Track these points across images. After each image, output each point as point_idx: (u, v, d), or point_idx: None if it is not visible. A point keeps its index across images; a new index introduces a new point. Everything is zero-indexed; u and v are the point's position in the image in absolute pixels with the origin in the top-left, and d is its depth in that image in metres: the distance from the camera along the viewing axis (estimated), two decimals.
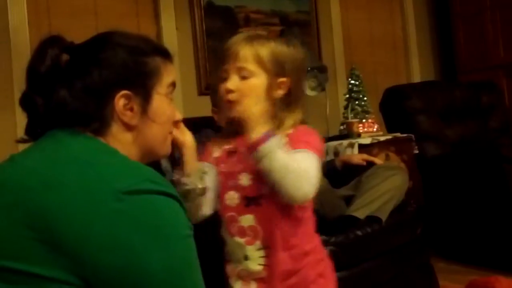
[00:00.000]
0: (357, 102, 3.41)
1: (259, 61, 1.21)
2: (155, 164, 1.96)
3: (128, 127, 0.94)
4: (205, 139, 2.43)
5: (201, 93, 3.26)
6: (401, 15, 4.45)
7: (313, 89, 3.21)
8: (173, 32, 3.17)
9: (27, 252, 0.78)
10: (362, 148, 3.00)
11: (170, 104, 1.01)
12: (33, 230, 0.78)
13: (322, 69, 3.34)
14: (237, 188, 1.22)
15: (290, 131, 1.22)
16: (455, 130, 3.39)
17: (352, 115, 3.39)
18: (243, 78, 1.21)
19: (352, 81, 3.47)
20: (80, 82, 0.90)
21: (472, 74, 3.96)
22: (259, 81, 1.21)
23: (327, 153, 3.09)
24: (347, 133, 3.25)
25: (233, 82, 1.21)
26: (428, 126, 3.29)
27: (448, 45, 4.37)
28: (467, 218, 2.93)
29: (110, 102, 0.91)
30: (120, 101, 0.91)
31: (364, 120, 3.28)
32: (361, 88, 3.45)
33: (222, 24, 3.38)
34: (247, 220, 1.21)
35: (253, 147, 1.13)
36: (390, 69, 4.36)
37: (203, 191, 1.21)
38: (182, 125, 1.22)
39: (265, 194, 1.19)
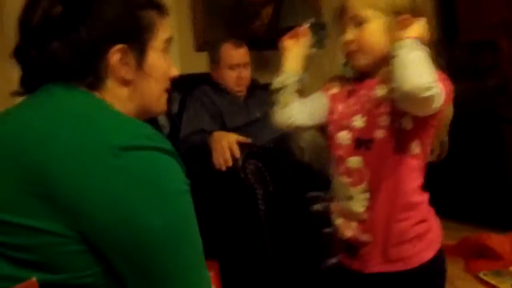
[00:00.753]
0: None
1: (372, 5, 1.20)
2: (152, 120, 1.97)
3: (124, 82, 0.92)
4: (202, 95, 2.44)
5: (198, 49, 3.22)
6: None
7: (312, 46, 3.18)
8: None
9: (23, 206, 0.78)
10: None
11: (166, 59, 0.99)
12: (28, 184, 0.78)
13: (322, 26, 3.29)
14: (350, 128, 1.24)
15: None
16: (454, 89, 3.36)
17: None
18: (359, 25, 1.21)
19: None
20: (74, 34, 0.88)
21: (473, 33, 3.91)
22: (376, 23, 1.20)
23: None
24: None
25: (350, 33, 1.22)
26: None
27: (449, 3, 4.29)
28: (462, 176, 2.95)
29: (104, 56, 0.89)
30: (115, 55, 0.90)
31: None
32: None
33: None
34: (355, 162, 1.22)
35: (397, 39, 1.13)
36: None
37: (289, 90, 1.30)
38: (301, 40, 1.35)
39: (378, 138, 1.19)
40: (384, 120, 1.19)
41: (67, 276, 0.79)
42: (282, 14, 3.19)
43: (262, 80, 2.99)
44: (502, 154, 2.79)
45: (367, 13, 1.20)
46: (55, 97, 0.87)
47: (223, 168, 1.93)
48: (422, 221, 1.23)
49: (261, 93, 2.62)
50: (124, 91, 0.93)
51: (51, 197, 0.76)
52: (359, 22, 1.21)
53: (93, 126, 0.81)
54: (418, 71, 1.08)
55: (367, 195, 1.21)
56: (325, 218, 1.96)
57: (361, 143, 1.21)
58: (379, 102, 1.20)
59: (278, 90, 1.33)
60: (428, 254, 1.22)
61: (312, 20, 1.35)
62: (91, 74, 0.89)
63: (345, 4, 1.23)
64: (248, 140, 2.05)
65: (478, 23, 3.93)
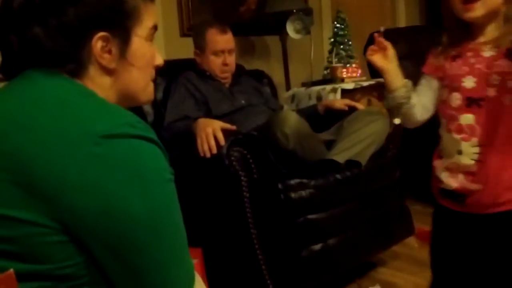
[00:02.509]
0: (341, 47, 3.39)
1: None
2: (137, 108, 1.96)
3: (106, 71, 0.91)
4: (186, 81, 2.43)
5: (183, 34, 3.20)
6: None
7: (297, 32, 3.17)
8: None
9: (3, 195, 0.76)
10: (345, 93, 3.00)
11: (150, 47, 0.97)
12: (7, 172, 0.76)
13: (308, 12, 3.28)
14: (460, 89, 1.31)
15: None
16: None
17: (336, 59, 3.37)
18: None
19: (338, 25, 3.43)
20: (55, 20, 0.86)
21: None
22: None
23: (309, 97, 3.09)
24: (331, 78, 3.24)
25: None
26: (412, 72, 3.28)
27: None
28: None
29: (87, 43, 0.88)
30: (97, 43, 0.88)
31: (348, 65, 3.27)
32: (346, 32, 3.42)
33: None
34: (467, 119, 1.30)
35: None
36: (376, 13, 4.30)
37: (407, 103, 1.39)
38: (388, 51, 1.38)
39: (488, 96, 1.26)
40: (495, 79, 1.26)
41: (48, 267, 0.78)
42: None
43: (248, 66, 2.98)
44: None
45: None
46: (36, 84, 0.85)
47: (208, 155, 1.93)
48: None
49: (247, 80, 2.62)
50: (106, 80, 0.91)
51: (31, 185, 0.75)
52: None
53: (75, 113, 0.80)
54: None
55: (477, 149, 1.30)
56: (309, 204, 1.99)
57: (472, 102, 1.29)
58: (489, 62, 1.27)
59: (395, 107, 1.42)
60: None
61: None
62: (73, 61, 0.87)
63: None
64: (233, 127, 2.05)
65: None
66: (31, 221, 0.76)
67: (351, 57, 3.37)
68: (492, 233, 1.33)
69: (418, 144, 3.10)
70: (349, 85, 3.06)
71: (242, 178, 1.92)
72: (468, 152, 1.31)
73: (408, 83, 1.41)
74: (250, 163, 1.94)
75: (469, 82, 1.29)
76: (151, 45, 0.97)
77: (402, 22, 4.36)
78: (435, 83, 1.40)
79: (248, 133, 2.15)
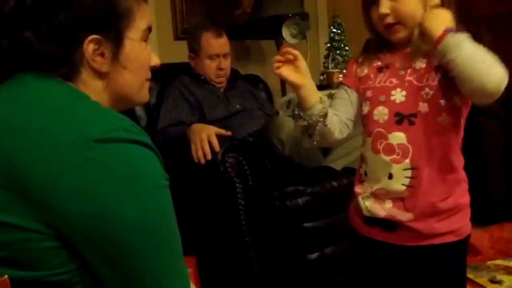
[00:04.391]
0: (338, 52, 3.37)
1: None
2: (130, 112, 1.92)
3: (99, 74, 0.90)
4: (180, 85, 2.39)
5: (177, 37, 3.17)
6: None
7: (293, 36, 3.15)
8: None
9: None
10: None
11: (145, 48, 0.96)
12: (0, 176, 0.76)
13: (304, 16, 3.26)
14: (388, 104, 1.20)
15: None
16: None
17: (332, 65, 3.35)
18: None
19: (334, 30, 3.41)
20: (47, 23, 0.86)
21: (455, 26, 3.94)
22: None
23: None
24: (327, 83, 3.22)
25: (384, 5, 1.17)
26: None
27: None
28: None
29: (79, 46, 0.87)
30: (89, 46, 0.87)
31: (344, 71, 3.25)
32: (342, 37, 3.40)
33: None
34: (398, 138, 1.18)
35: (437, 42, 1.08)
36: None
37: (323, 121, 1.22)
38: (299, 62, 1.20)
39: (422, 112, 1.16)
40: (427, 94, 1.16)
41: (41, 274, 0.77)
42: (264, 3, 3.15)
43: (243, 70, 2.96)
44: (481, 148, 2.80)
45: None
46: (28, 87, 0.85)
47: (202, 161, 1.91)
48: (465, 193, 1.24)
49: (242, 85, 2.59)
50: (99, 83, 0.91)
51: (24, 190, 0.75)
52: None
53: (68, 117, 0.79)
54: (487, 64, 1.06)
55: (409, 172, 1.17)
56: (305, 212, 1.96)
57: (403, 118, 1.18)
58: (420, 74, 1.18)
59: (310, 125, 1.24)
60: (469, 225, 1.24)
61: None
62: (65, 65, 0.87)
63: None
64: (228, 133, 2.04)
65: (460, 17, 3.94)
66: (24, 227, 0.75)
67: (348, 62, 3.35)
68: (424, 267, 1.20)
69: None
70: None
71: (237, 184, 1.90)
72: (400, 176, 1.17)
73: (324, 97, 1.25)
74: (246, 170, 1.92)
75: (398, 96, 1.18)
76: (146, 46, 0.97)
77: None
78: (355, 97, 1.28)
79: (243, 139, 2.13)
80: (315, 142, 1.26)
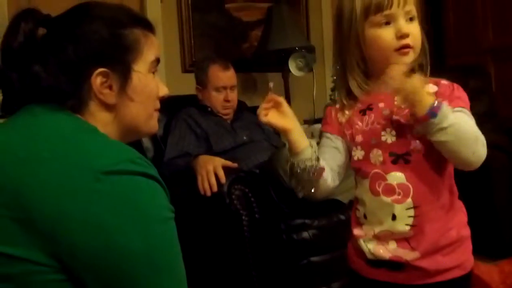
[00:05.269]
0: None
1: (415, 3, 1.17)
2: (136, 143, 1.93)
3: (107, 106, 0.91)
4: (187, 117, 2.40)
5: (185, 70, 3.20)
6: None
7: (300, 69, 3.17)
8: (157, 5, 3.08)
9: (1, 231, 0.76)
10: None
11: (152, 80, 0.97)
12: (7, 207, 0.76)
13: (310, 49, 3.29)
14: (380, 145, 1.16)
15: (437, 88, 1.17)
16: None
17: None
18: (410, 21, 1.15)
19: None
20: (55, 58, 0.87)
21: (461, 58, 3.95)
22: (418, 24, 1.17)
23: (312, 135, 3.06)
24: None
25: (405, 26, 1.14)
26: None
27: (437, 27, 4.34)
28: None
29: (86, 79, 0.88)
30: (97, 80, 0.88)
31: None
32: None
33: None
34: (396, 177, 1.15)
35: (422, 119, 1.07)
36: None
37: (317, 164, 1.16)
38: (284, 107, 1.17)
39: (414, 149, 1.14)
40: (418, 131, 1.13)
41: None
42: (271, 37, 3.19)
43: (250, 102, 2.97)
44: (490, 181, 2.77)
45: (414, 8, 1.16)
46: (37, 118, 0.86)
47: (208, 193, 1.90)
48: (465, 224, 1.23)
49: (249, 116, 2.60)
50: (107, 115, 0.92)
51: (29, 221, 0.75)
52: (410, 17, 1.15)
53: (76, 149, 0.80)
54: (470, 142, 1.08)
55: (412, 212, 1.15)
56: (312, 246, 1.94)
57: (398, 158, 1.15)
58: (406, 113, 1.14)
59: (303, 172, 1.18)
60: (472, 258, 1.23)
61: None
62: (73, 97, 0.88)
63: None
64: (235, 165, 2.03)
65: (466, 49, 3.97)
66: (28, 259, 0.75)
67: None
68: None
69: None
70: None
71: (243, 217, 1.89)
72: (403, 217, 1.15)
73: (313, 142, 1.20)
74: (252, 202, 1.91)
75: (389, 136, 1.16)
76: (153, 77, 0.97)
77: None
78: (340, 143, 1.23)
79: (249, 171, 2.12)
80: (312, 190, 1.20)
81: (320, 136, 1.28)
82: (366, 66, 1.20)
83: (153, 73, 0.97)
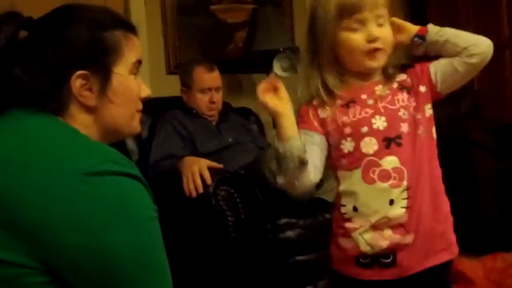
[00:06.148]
0: None
1: (387, 5, 1.22)
2: (121, 145, 1.92)
3: (87, 108, 0.91)
4: (172, 119, 2.40)
5: (170, 72, 3.19)
6: None
7: (284, 70, 3.16)
8: (141, 7, 3.08)
9: None
10: None
11: (134, 82, 0.97)
12: None
13: (295, 50, 3.30)
14: (373, 133, 1.19)
15: (403, 75, 1.26)
16: None
17: None
18: (381, 25, 1.20)
19: None
20: (37, 60, 0.88)
21: None
22: (389, 26, 1.23)
23: None
24: None
25: (375, 29, 1.20)
26: None
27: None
28: None
29: (67, 82, 0.88)
30: (77, 82, 0.88)
31: None
32: None
33: (193, 0, 3.30)
34: (391, 162, 1.18)
35: (420, 31, 1.23)
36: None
37: (305, 162, 1.16)
38: (282, 93, 1.20)
39: (404, 132, 1.19)
40: (404, 114, 1.20)
41: None
42: (256, 38, 3.19)
43: (235, 104, 2.97)
44: (474, 179, 2.81)
45: (386, 12, 1.21)
46: (19, 121, 0.86)
47: (194, 194, 1.90)
48: (447, 202, 1.28)
49: (234, 118, 2.60)
50: (87, 117, 0.92)
51: (14, 225, 0.75)
52: (380, 21, 1.20)
53: (58, 151, 0.81)
54: (473, 36, 1.20)
55: (405, 194, 1.18)
56: (298, 245, 1.95)
57: (390, 141, 1.19)
58: (390, 99, 1.22)
59: (283, 158, 1.17)
60: (455, 243, 1.27)
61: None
62: (54, 100, 0.88)
63: (369, 1, 1.19)
64: (220, 166, 2.04)
65: None
66: (13, 262, 0.75)
67: None
68: None
69: None
70: None
71: (229, 218, 1.89)
72: (399, 200, 1.17)
73: (301, 135, 1.21)
74: (237, 203, 1.91)
75: (380, 122, 1.19)
76: (135, 79, 0.97)
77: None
78: (319, 140, 1.24)
79: (235, 172, 2.12)
80: (295, 182, 1.18)
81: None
82: (340, 65, 1.25)
83: (135, 74, 0.97)
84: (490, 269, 2.34)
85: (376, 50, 1.20)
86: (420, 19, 4.41)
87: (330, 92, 1.24)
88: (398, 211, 1.18)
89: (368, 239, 1.19)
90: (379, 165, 1.18)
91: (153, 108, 2.19)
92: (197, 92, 2.46)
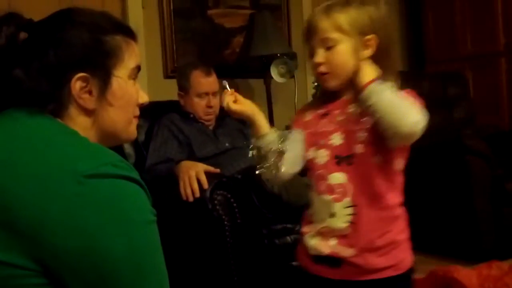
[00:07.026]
0: None
1: (339, 28, 1.25)
2: (118, 149, 1.92)
3: (86, 111, 0.91)
4: (169, 123, 2.40)
5: (167, 76, 3.20)
6: (372, 3, 4.45)
7: (282, 75, 3.19)
8: (139, 11, 3.09)
9: None
10: None
11: (133, 86, 0.97)
12: None
13: (292, 56, 3.31)
14: (328, 146, 1.27)
15: None
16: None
17: None
18: (329, 48, 1.25)
19: None
20: (37, 61, 0.88)
21: (439, 65, 4.01)
22: (344, 46, 1.25)
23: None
24: None
25: (320, 55, 1.26)
26: None
27: (417, 35, 4.40)
28: (429, 208, 2.97)
29: (66, 84, 0.88)
30: (76, 84, 0.88)
31: None
32: None
33: (190, 4, 3.31)
34: (337, 178, 1.25)
35: (362, 88, 1.20)
36: None
37: (281, 153, 1.28)
38: (239, 98, 1.30)
39: (356, 153, 1.23)
40: (363, 136, 1.24)
41: None
42: (253, 43, 3.21)
43: None
44: (468, 186, 2.82)
45: (335, 35, 1.24)
46: (18, 122, 0.86)
47: (191, 199, 1.90)
48: (406, 227, 1.31)
49: (231, 123, 2.60)
50: (86, 120, 0.92)
51: (12, 224, 0.75)
52: (328, 45, 1.25)
53: (57, 152, 0.81)
54: (403, 110, 1.16)
55: (350, 210, 1.24)
56: (294, 251, 1.94)
57: (342, 159, 1.25)
58: (355, 118, 1.25)
59: (263, 153, 1.30)
60: (409, 259, 1.30)
61: (226, 82, 1.37)
62: (53, 101, 0.88)
63: (313, 28, 1.27)
64: (217, 170, 2.04)
65: (445, 56, 4.03)
66: (10, 263, 0.75)
67: None
68: None
69: (407, 190, 3.10)
70: None
71: (226, 222, 1.89)
72: (341, 214, 1.25)
73: (276, 129, 1.34)
74: (234, 207, 1.91)
75: (337, 139, 1.26)
76: (134, 84, 0.97)
77: None
78: (301, 136, 1.33)
79: (232, 176, 2.12)
80: (274, 172, 1.29)
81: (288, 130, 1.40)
82: None
83: (134, 80, 0.97)
84: (485, 277, 2.34)
85: (323, 73, 1.27)
86: (416, 26, 4.45)
87: (318, 99, 1.35)
88: (340, 224, 1.25)
89: (314, 244, 1.29)
90: (327, 179, 1.26)
91: (150, 112, 2.19)
92: (194, 96, 2.46)
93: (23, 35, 0.90)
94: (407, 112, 1.15)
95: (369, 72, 1.22)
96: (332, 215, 1.25)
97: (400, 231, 1.29)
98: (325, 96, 1.33)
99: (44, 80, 0.87)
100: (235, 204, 1.91)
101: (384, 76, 1.23)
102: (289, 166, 1.31)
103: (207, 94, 2.46)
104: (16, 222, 0.75)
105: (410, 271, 1.30)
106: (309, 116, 1.34)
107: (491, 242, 2.76)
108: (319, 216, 1.28)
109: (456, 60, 3.94)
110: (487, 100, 3.80)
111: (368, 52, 1.26)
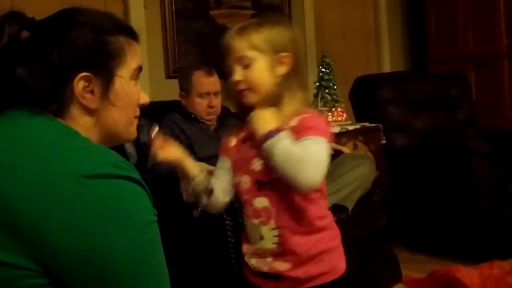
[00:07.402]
0: (327, 91, 3.41)
1: (255, 47, 1.29)
2: (120, 148, 1.92)
3: (88, 111, 0.91)
4: (171, 123, 2.40)
5: (169, 76, 3.20)
6: (374, 4, 4.46)
7: None
8: (141, 11, 3.09)
9: None
10: None
11: (134, 87, 0.98)
12: None
13: None
14: (249, 172, 1.31)
15: (296, 122, 1.28)
16: (423, 121, 3.42)
17: (321, 103, 3.39)
18: (246, 66, 1.29)
19: (323, 69, 3.45)
20: (39, 61, 0.88)
21: (442, 66, 4.01)
22: (261, 63, 1.29)
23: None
24: None
25: (238, 73, 1.29)
26: (397, 117, 3.32)
27: (419, 35, 4.40)
28: (432, 208, 2.97)
29: (69, 83, 0.88)
30: (79, 84, 0.88)
31: (333, 109, 3.28)
32: (331, 76, 3.45)
33: (192, 5, 3.32)
34: (261, 202, 1.30)
35: (261, 140, 1.23)
36: (361, 58, 4.36)
37: (211, 191, 1.36)
38: (168, 142, 1.38)
39: (277, 178, 1.26)
40: None
41: None
42: None
43: (234, 109, 2.97)
44: (471, 186, 2.82)
45: (251, 54, 1.28)
46: (19, 123, 0.86)
47: (192, 199, 1.89)
48: (335, 236, 1.36)
49: (232, 123, 2.60)
50: (88, 119, 0.92)
51: (13, 225, 0.75)
52: (245, 63, 1.29)
53: (58, 153, 0.80)
54: (296, 168, 1.18)
55: (276, 232, 1.29)
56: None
57: (263, 184, 1.29)
58: None
59: (198, 193, 1.40)
60: (344, 264, 1.35)
61: (156, 128, 1.48)
62: (55, 102, 0.88)
63: (229, 47, 1.31)
64: None
65: (447, 57, 4.03)
66: (12, 264, 0.75)
67: (337, 101, 3.38)
68: None
69: (406, 190, 3.10)
70: (334, 129, 3.05)
71: (227, 222, 1.89)
72: (269, 236, 1.30)
73: (203, 165, 1.43)
74: (236, 207, 1.90)
75: (257, 165, 1.30)
76: (135, 84, 0.98)
77: (387, 68, 4.42)
78: (229, 163, 1.39)
79: None
80: (205, 205, 1.40)
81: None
82: None
83: (135, 80, 0.97)
84: (487, 277, 2.34)
85: (241, 90, 1.30)
86: (418, 27, 4.47)
87: (243, 118, 1.36)
88: (269, 245, 1.30)
89: (254, 263, 1.35)
90: (252, 204, 1.31)
91: (152, 112, 2.18)
92: (196, 96, 2.46)
93: (25, 34, 0.90)
94: (300, 169, 1.18)
95: (263, 119, 1.25)
96: (261, 237, 1.30)
97: (330, 238, 1.33)
98: (247, 114, 1.33)
99: (47, 79, 0.87)
100: (236, 204, 1.91)
101: (291, 97, 1.28)
102: (221, 196, 1.39)
103: (208, 94, 2.46)
104: (16, 222, 0.75)
105: (345, 275, 1.34)
106: (234, 141, 1.39)
107: (494, 243, 2.76)
108: (252, 238, 1.34)
109: (458, 61, 3.94)
110: (489, 101, 3.80)
111: (283, 69, 1.30)
